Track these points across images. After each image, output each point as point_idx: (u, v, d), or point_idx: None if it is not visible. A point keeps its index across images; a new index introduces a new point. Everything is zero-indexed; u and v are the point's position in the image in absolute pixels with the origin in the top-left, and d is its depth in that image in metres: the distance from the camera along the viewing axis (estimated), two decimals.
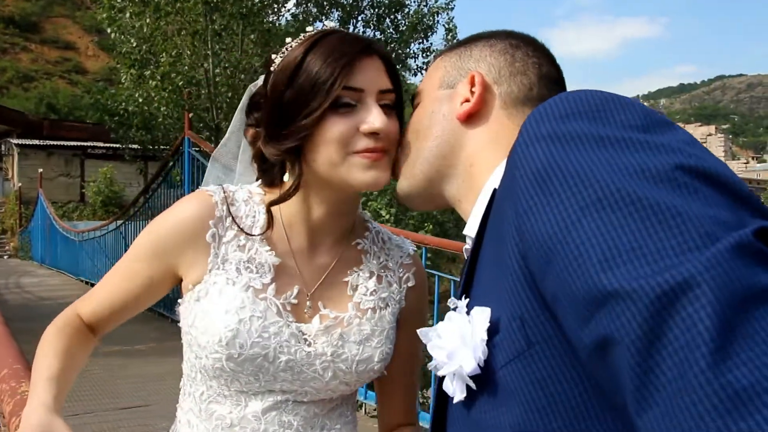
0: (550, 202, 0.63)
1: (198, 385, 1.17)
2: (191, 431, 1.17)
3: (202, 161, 7.88)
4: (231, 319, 1.08)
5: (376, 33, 12.36)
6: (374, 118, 1.05)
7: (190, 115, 8.46)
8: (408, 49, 12.25)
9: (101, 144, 27.88)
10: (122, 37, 9.54)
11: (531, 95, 0.96)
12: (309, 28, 1.13)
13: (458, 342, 0.74)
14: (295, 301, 1.14)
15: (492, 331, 0.71)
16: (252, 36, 9.23)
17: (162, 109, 9.81)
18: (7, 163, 29.52)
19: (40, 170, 25.33)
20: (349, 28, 12.58)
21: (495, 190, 0.81)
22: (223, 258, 1.12)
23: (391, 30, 12.27)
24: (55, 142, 28.96)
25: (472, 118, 0.96)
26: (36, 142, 29.08)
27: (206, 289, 1.11)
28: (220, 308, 1.09)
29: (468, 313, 0.76)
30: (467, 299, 0.79)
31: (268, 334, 1.09)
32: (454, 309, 0.80)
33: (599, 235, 0.58)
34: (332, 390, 1.17)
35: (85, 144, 29.16)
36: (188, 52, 9.30)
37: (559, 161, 0.64)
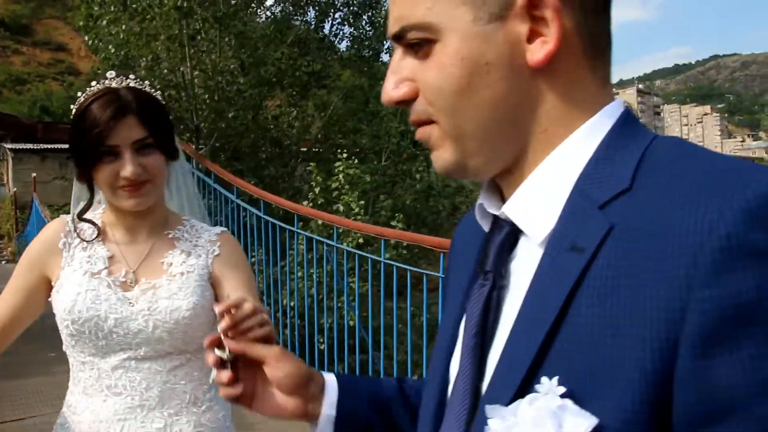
0: (749, 349, 0.50)
1: (71, 361, 1.60)
2: (71, 405, 1.60)
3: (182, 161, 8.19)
4: (72, 293, 1.53)
5: (352, 30, 12.61)
6: (126, 169, 1.48)
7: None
8: (383, 45, 12.50)
9: None
10: (100, 44, 9.82)
11: (606, 4, 0.69)
12: (104, 82, 1.54)
13: None
14: (123, 279, 1.57)
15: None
16: (226, 39, 9.50)
17: None
18: (1, 168, 29.65)
19: (34, 174, 25.58)
20: (325, 26, 12.78)
21: (604, 202, 0.61)
22: (71, 258, 1.58)
23: (367, 27, 12.54)
24: (49, 146, 29.02)
25: (546, 64, 0.66)
26: (30, 146, 29.17)
27: (61, 280, 1.57)
28: (67, 289, 1.54)
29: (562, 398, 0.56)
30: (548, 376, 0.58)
31: (100, 301, 1.52)
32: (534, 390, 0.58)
33: None
34: (160, 342, 1.54)
35: None
36: (165, 56, 9.56)
37: None
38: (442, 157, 0.70)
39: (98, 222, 1.62)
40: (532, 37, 0.65)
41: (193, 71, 9.72)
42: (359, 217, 8.85)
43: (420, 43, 0.67)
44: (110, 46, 9.48)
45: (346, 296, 5.57)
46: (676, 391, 0.52)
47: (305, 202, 9.22)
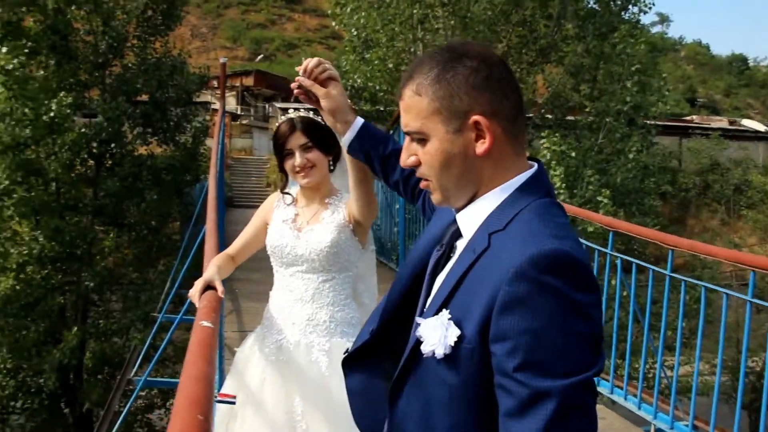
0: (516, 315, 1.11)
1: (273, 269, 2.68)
2: (270, 295, 2.67)
3: None
4: (272, 231, 2.62)
5: (576, 8, 12.65)
6: (296, 161, 2.51)
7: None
8: (611, 23, 12.46)
9: None
10: (345, 28, 11.25)
11: (517, 112, 1.25)
12: (290, 110, 2.66)
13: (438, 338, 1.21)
14: (299, 226, 2.59)
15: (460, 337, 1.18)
16: (452, 22, 10.34)
17: (383, 86, 11.35)
18: (272, 124, 33.15)
19: None
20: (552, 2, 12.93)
21: (491, 232, 1.21)
22: (277, 213, 2.66)
23: (596, 5, 12.62)
24: (311, 106, 31.74)
25: (486, 153, 1.22)
26: (297, 105, 32.17)
27: (270, 225, 2.66)
28: (271, 229, 2.64)
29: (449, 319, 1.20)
30: (447, 309, 1.21)
31: (283, 236, 2.58)
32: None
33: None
34: (313, 262, 2.52)
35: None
36: (399, 38, 10.69)
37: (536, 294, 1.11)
38: (435, 198, 1.31)
39: (294, 194, 2.66)
40: (477, 139, 1.22)
41: (422, 52, 10.73)
42: (562, 191, 9.24)
43: (419, 138, 1.27)
44: (353, 30, 10.84)
45: None
46: (490, 327, 1.14)
47: None
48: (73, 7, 12.31)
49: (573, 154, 9.57)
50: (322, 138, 2.51)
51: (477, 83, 1.21)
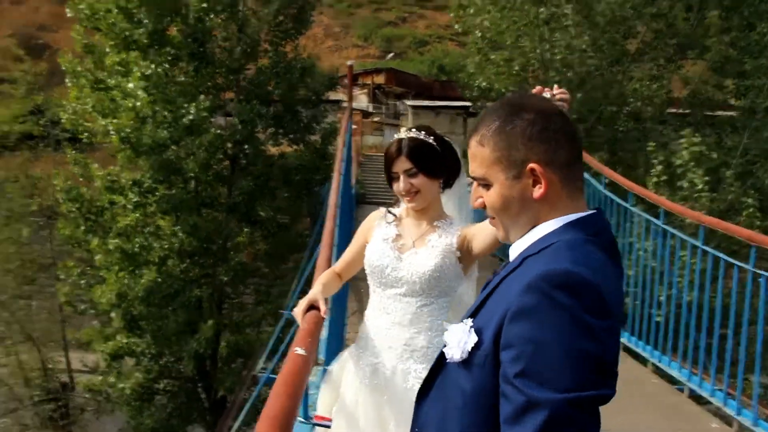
0: (523, 324, 1.20)
1: (369, 288, 2.62)
2: (366, 314, 2.63)
3: None
4: (372, 250, 2.54)
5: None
6: (400, 186, 2.45)
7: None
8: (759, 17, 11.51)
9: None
10: (469, 30, 11.13)
11: (572, 159, 1.35)
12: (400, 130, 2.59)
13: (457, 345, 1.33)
14: (401, 246, 2.53)
15: (478, 342, 1.30)
16: (577, 19, 9.99)
17: (509, 88, 11.17)
18: (403, 122, 33.48)
19: None
20: None
21: (526, 255, 1.31)
22: (378, 231, 2.59)
23: None
24: (442, 103, 31.58)
25: (542, 198, 1.34)
26: (427, 102, 32.21)
27: (370, 243, 2.59)
28: (370, 248, 2.56)
29: (471, 327, 1.32)
30: (473, 318, 1.33)
31: (384, 256, 2.51)
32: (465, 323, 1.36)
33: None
34: (414, 286, 2.45)
35: (467, 104, 31.67)
36: (524, 39, 10.45)
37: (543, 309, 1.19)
38: (499, 234, 1.46)
39: (399, 213, 2.60)
40: (534, 184, 1.33)
41: (549, 52, 10.44)
42: (704, 194, 8.73)
43: (484, 183, 1.40)
44: (476, 32, 10.71)
45: (688, 272, 5.60)
46: (501, 335, 1.24)
47: (653, 179, 9.35)
48: (211, 15, 12.97)
49: (714, 155, 8.97)
50: (428, 163, 2.43)
51: (533, 135, 1.33)
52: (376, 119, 34.97)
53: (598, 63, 10.35)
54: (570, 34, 10.19)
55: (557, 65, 10.38)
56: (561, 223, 1.34)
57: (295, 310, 2.42)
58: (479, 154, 1.38)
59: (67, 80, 12.95)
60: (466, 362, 1.30)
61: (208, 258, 13.67)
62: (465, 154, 1.91)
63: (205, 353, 12.67)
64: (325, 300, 2.47)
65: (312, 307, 2.40)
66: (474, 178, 1.42)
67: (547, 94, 2.24)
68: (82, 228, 12.63)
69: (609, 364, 1.20)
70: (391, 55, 41.65)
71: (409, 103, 32.23)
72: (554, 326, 1.16)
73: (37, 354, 12.54)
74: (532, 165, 1.32)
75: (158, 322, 12.33)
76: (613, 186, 6.73)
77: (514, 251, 1.39)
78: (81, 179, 12.99)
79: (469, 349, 1.29)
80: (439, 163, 2.45)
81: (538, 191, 1.33)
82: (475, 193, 1.43)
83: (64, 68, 12.83)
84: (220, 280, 13.70)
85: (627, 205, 6.10)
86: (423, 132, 2.46)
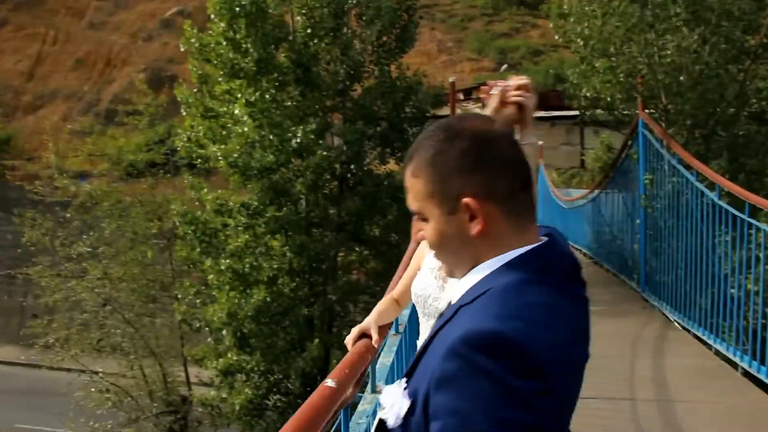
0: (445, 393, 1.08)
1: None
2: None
3: (651, 141, 8.95)
4: (419, 278, 2.48)
5: None
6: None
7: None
8: None
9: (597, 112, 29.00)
10: (570, 40, 10.76)
11: (515, 187, 1.24)
12: None
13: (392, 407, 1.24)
14: (445, 275, 2.49)
15: (411, 407, 1.19)
16: (682, 15, 9.38)
17: (617, 95, 10.73)
18: (517, 135, 32.92)
19: (540, 142, 28.00)
20: None
21: (462, 304, 1.19)
22: (428, 259, 2.45)
23: None
24: (558, 113, 30.81)
25: (480, 234, 1.23)
26: (541, 113, 31.52)
27: (420, 271, 2.51)
28: (419, 276, 2.49)
29: (405, 389, 1.23)
30: (407, 380, 1.24)
31: (428, 286, 2.43)
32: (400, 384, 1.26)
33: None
34: None
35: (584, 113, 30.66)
36: (628, 45, 9.97)
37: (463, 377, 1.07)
38: (443, 270, 1.38)
39: None
40: (471, 219, 1.22)
41: (656, 55, 9.90)
42: None
43: (422, 218, 1.29)
44: (579, 39, 10.33)
45: None
46: (429, 401, 1.12)
47: None
48: (315, 40, 13.32)
49: None
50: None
51: (467, 165, 1.22)
52: None
53: (712, 62, 9.67)
54: (682, 34, 9.62)
55: (666, 68, 9.80)
56: (499, 264, 1.22)
57: (347, 338, 2.36)
58: (413, 186, 1.28)
59: (182, 110, 13.73)
60: (403, 427, 1.20)
61: (318, 277, 13.95)
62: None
63: (312, 371, 12.90)
64: (383, 326, 2.44)
65: (364, 335, 2.35)
66: (412, 212, 1.32)
67: (496, 90, 1.95)
68: (197, 250, 13.26)
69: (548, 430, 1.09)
70: (505, 66, 41.12)
71: None
72: (477, 395, 1.05)
73: (159, 368, 13.28)
74: (466, 200, 1.21)
75: (267, 340, 12.68)
76: (731, 196, 6.29)
77: (456, 292, 1.28)
78: (197, 203, 13.66)
79: (403, 415, 1.20)
80: None
81: (475, 227, 1.22)
82: (416, 227, 1.36)
83: (179, 99, 13.60)
84: (329, 298, 13.93)
85: (743, 216, 5.65)
86: None
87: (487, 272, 1.22)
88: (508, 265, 1.21)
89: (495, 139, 1.25)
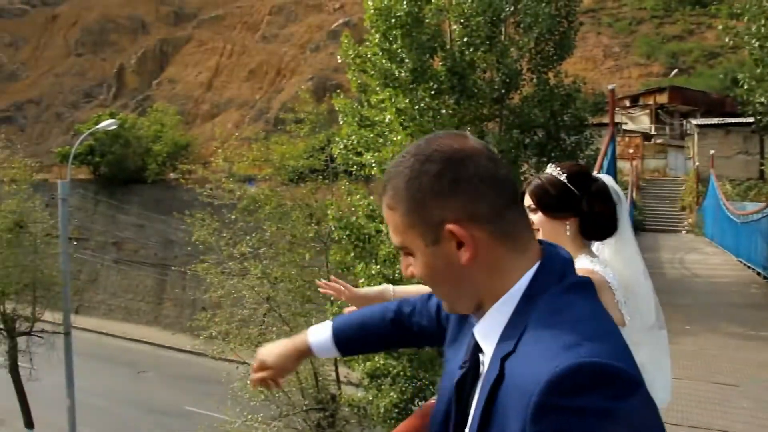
0: None
1: None
2: None
3: None
4: None
5: None
6: None
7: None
8: None
9: None
10: (743, 42, 9.96)
11: (501, 205, 1.11)
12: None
13: None
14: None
15: None
16: None
17: None
18: (688, 143, 30.94)
19: (712, 151, 26.18)
20: None
21: (503, 356, 1.04)
22: None
23: None
24: (732, 120, 28.66)
25: (471, 261, 1.10)
26: (714, 120, 29.44)
27: None
28: None
29: None
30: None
31: None
32: None
33: None
34: None
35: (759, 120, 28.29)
36: None
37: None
38: (444, 306, 1.24)
39: None
40: (459, 247, 1.10)
41: None
42: None
43: (407, 252, 1.16)
44: (753, 40, 9.55)
45: None
46: None
47: None
48: (471, 49, 13.29)
49: None
50: (549, 200, 2.24)
51: (443, 189, 1.10)
52: (658, 141, 32.83)
53: None
54: None
55: None
56: (520, 294, 1.10)
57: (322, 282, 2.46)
58: (391, 219, 1.15)
59: (340, 119, 14.23)
60: None
61: None
62: None
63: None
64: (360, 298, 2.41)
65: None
66: (396, 247, 1.20)
67: None
68: (351, 254, 13.65)
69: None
70: (676, 71, 38.76)
71: (695, 122, 29.71)
72: None
73: (311, 366, 13.81)
74: (449, 226, 1.09)
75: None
76: None
77: (483, 339, 1.13)
78: (352, 209, 14.08)
79: None
80: (562, 202, 2.22)
81: (464, 255, 1.09)
82: (404, 262, 1.19)
83: (336, 108, 14.13)
84: None
85: None
86: (559, 168, 2.27)
87: (511, 310, 1.10)
88: (530, 293, 1.09)
89: (469, 156, 1.11)
